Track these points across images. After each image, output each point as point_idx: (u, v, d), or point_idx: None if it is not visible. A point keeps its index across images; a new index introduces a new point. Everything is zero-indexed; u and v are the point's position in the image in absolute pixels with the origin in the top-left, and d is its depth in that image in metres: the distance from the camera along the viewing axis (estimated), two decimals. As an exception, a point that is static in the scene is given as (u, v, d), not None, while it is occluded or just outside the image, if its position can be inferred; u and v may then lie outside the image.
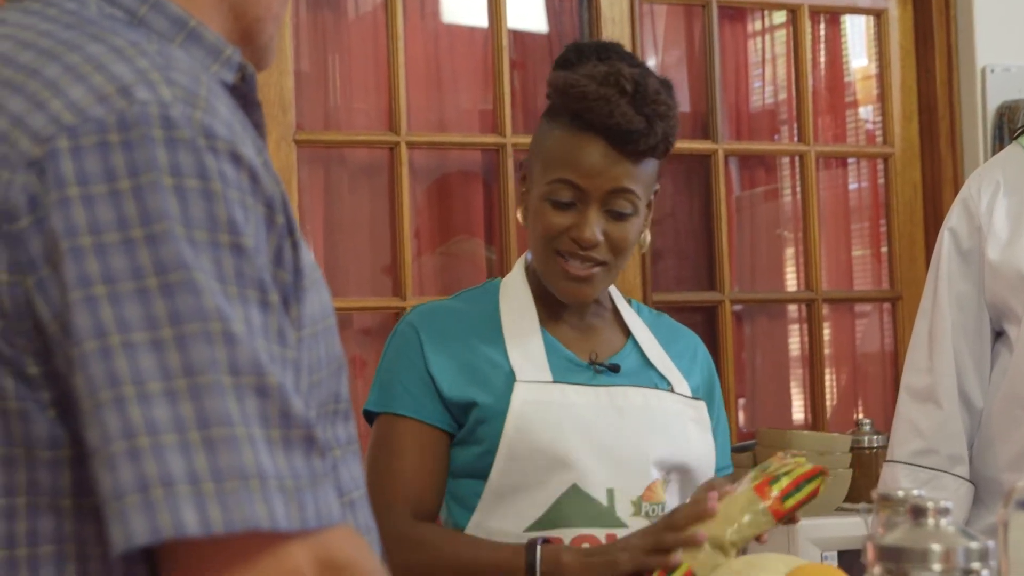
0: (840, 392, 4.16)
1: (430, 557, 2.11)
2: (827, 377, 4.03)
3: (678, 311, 3.70)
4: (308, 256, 1.23)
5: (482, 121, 3.77)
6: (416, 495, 2.18)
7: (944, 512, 1.20)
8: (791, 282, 4.12)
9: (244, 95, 1.29)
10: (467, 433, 2.18)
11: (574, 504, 2.13)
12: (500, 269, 3.61)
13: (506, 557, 2.07)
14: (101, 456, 1.06)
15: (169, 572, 1.10)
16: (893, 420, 2.74)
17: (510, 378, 2.16)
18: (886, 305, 4.12)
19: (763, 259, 4.14)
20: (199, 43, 1.25)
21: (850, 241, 4.17)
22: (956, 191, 2.82)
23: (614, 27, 3.73)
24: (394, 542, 2.02)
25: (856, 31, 4.16)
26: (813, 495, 1.93)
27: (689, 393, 2.25)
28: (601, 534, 2.11)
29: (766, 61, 4.14)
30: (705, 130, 3.90)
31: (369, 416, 2.24)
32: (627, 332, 2.29)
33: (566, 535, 2.12)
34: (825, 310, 4.03)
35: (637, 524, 2.12)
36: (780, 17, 4.12)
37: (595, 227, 2.15)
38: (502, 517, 2.15)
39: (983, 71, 3.89)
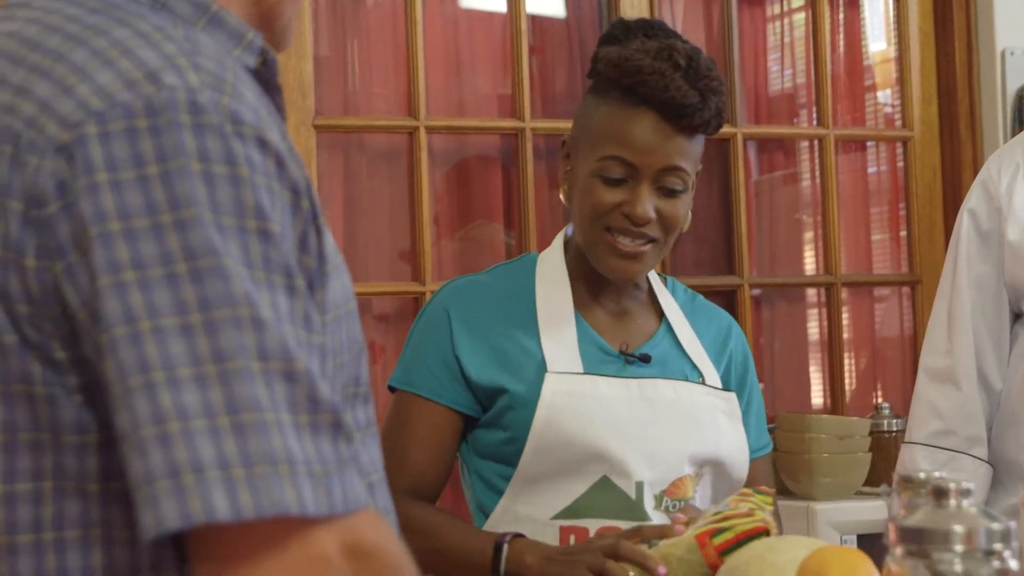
0: (859, 376, 4.15)
1: (418, 538, 2.09)
2: (846, 361, 4.03)
3: (697, 295, 3.69)
4: (330, 241, 1.24)
5: (501, 106, 3.77)
6: (418, 475, 2.18)
7: (966, 493, 1.21)
8: (810, 266, 4.12)
9: (266, 79, 1.29)
10: (493, 417, 2.17)
11: (603, 495, 2.12)
12: (518, 253, 3.61)
13: (481, 548, 2.06)
14: (131, 441, 1.06)
15: (197, 557, 1.09)
16: (911, 401, 2.74)
17: (541, 367, 2.15)
18: (905, 289, 4.11)
19: (782, 243, 4.13)
20: (221, 27, 1.25)
21: (869, 225, 4.16)
22: (975, 174, 2.82)
23: (633, 11, 3.72)
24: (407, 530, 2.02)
25: (875, 14, 4.15)
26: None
27: (719, 384, 2.24)
28: (627, 526, 2.09)
29: (785, 45, 4.14)
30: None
31: (391, 390, 2.25)
32: (661, 315, 2.27)
33: (592, 525, 2.11)
34: (844, 294, 4.03)
35: (659, 518, 2.12)
36: (799, 0, 4.11)
37: (647, 204, 2.12)
38: (530, 503, 2.15)
39: (1002, 54, 3.88)
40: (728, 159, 3.90)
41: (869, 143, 4.17)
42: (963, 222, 2.68)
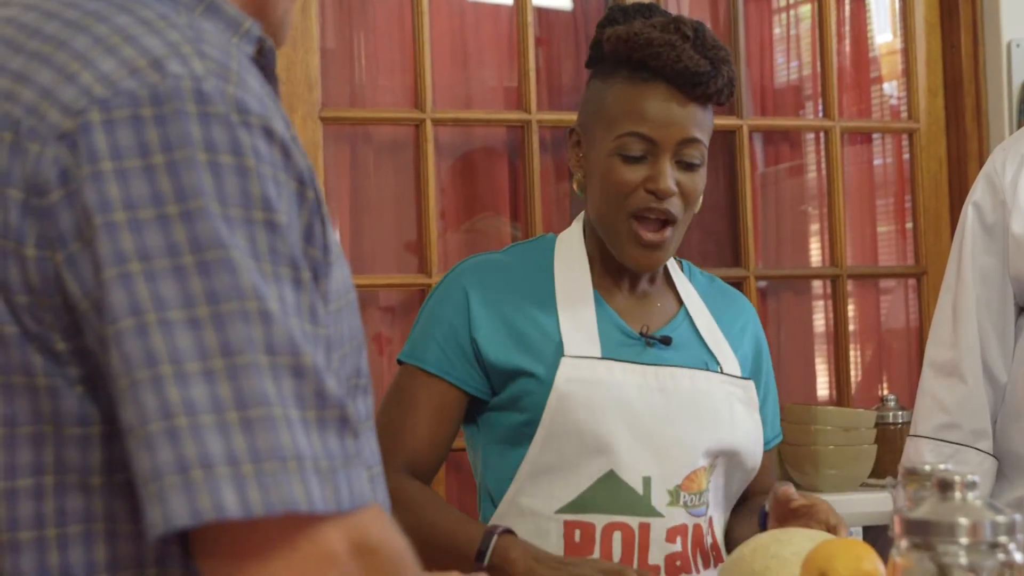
0: (865, 368, 4.15)
1: (407, 515, 2.02)
2: (852, 353, 4.03)
3: (703, 287, 3.70)
4: (333, 231, 1.22)
5: (507, 98, 3.77)
6: (416, 453, 2.15)
7: (971, 486, 1.21)
8: (816, 258, 4.12)
9: (263, 68, 1.27)
10: (509, 400, 2.14)
11: (608, 490, 2.10)
12: (525, 246, 3.61)
13: (470, 537, 2.04)
14: (138, 435, 1.05)
15: (203, 553, 1.08)
16: (916, 395, 2.74)
17: (559, 349, 2.13)
18: (911, 281, 4.11)
19: (788, 235, 4.13)
20: (218, 15, 1.23)
21: (875, 216, 4.16)
22: (981, 166, 2.82)
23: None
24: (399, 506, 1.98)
25: (881, 6, 4.15)
26: None
27: (738, 372, 2.22)
28: (634, 522, 2.09)
29: (791, 37, 4.13)
30: (730, 106, 3.88)
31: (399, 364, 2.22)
32: (680, 300, 2.26)
33: (598, 521, 2.09)
34: (850, 286, 4.03)
35: (673, 513, 2.10)
36: (805, -8, 4.11)
37: (670, 178, 2.11)
38: (534, 496, 2.13)
39: (1008, 45, 3.88)
40: (734, 151, 3.90)
41: (875, 135, 4.17)
42: (967, 215, 2.68)
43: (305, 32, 3.41)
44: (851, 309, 4.05)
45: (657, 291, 2.25)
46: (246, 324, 1.07)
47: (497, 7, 3.78)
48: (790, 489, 2.02)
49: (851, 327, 4.03)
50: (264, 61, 1.27)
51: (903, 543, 1.22)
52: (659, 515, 2.10)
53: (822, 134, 4.03)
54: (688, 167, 2.13)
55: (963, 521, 1.18)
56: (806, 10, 4.10)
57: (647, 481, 2.10)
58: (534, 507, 2.12)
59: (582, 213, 2.26)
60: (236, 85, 1.12)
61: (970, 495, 1.21)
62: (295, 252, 1.12)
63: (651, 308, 2.23)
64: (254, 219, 1.10)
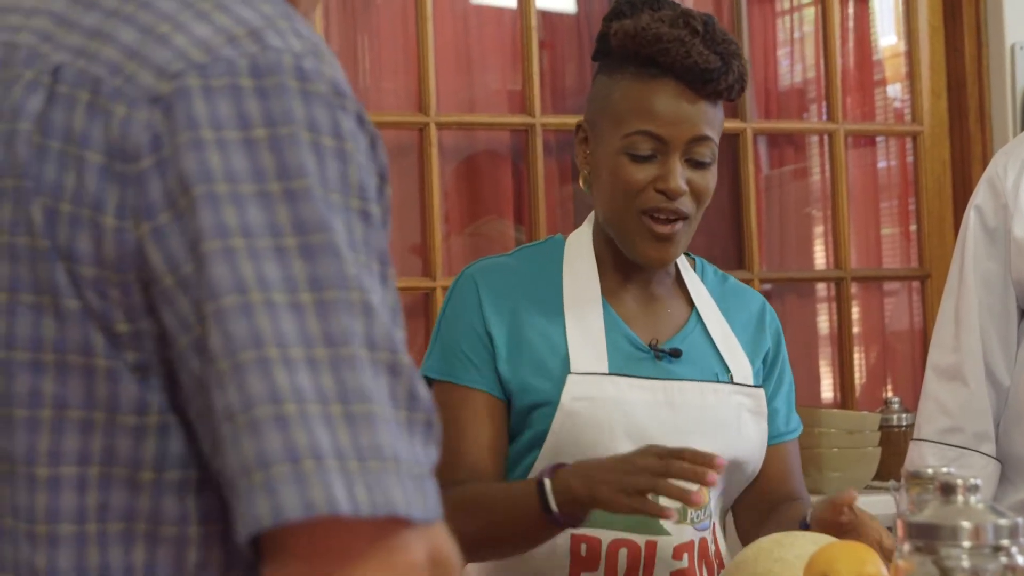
0: (869, 370, 4.16)
1: (471, 518, 1.98)
2: (856, 355, 4.03)
3: (707, 290, 3.70)
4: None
5: (511, 101, 3.78)
6: (473, 465, 2.07)
7: (973, 489, 1.21)
8: (820, 260, 4.12)
9: None
10: (516, 414, 2.09)
11: None
12: (529, 249, 3.61)
13: (525, 493, 1.94)
14: (240, 421, 0.97)
15: (285, 552, 0.99)
16: (920, 398, 2.74)
17: (565, 364, 2.07)
18: (915, 283, 4.11)
19: (792, 238, 4.13)
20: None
21: (879, 219, 4.16)
22: (985, 169, 2.82)
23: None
24: (458, 510, 1.84)
25: (884, 8, 4.15)
26: None
27: (750, 379, 2.17)
28: (641, 539, 2.04)
29: (794, 39, 4.14)
30: (733, 109, 3.89)
31: (427, 381, 2.11)
32: (691, 303, 2.20)
33: (604, 536, 2.05)
34: (854, 288, 4.03)
35: (681, 531, 2.06)
36: (808, -5, 4.12)
37: (680, 177, 2.06)
38: None
39: (1012, 48, 3.88)
40: (738, 154, 3.90)
41: (879, 138, 4.18)
42: (969, 219, 2.68)
43: (309, 36, 3.42)
44: (855, 312, 4.05)
45: (668, 295, 2.20)
46: (350, 315, 1.00)
47: (501, 10, 3.79)
48: (851, 496, 1.92)
49: (855, 330, 4.03)
50: None
51: (906, 546, 1.22)
52: (666, 534, 2.06)
53: (826, 137, 4.03)
54: (698, 165, 2.08)
55: (966, 525, 1.19)
56: (810, 13, 4.11)
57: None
58: None
59: (592, 213, 2.21)
60: (330, 66, 1.07)
61: (973, 499, 1.21)
62: (384, 246, 1.05)
63: (661, 315, 2.18)
64: (351, 207, 1.03)
